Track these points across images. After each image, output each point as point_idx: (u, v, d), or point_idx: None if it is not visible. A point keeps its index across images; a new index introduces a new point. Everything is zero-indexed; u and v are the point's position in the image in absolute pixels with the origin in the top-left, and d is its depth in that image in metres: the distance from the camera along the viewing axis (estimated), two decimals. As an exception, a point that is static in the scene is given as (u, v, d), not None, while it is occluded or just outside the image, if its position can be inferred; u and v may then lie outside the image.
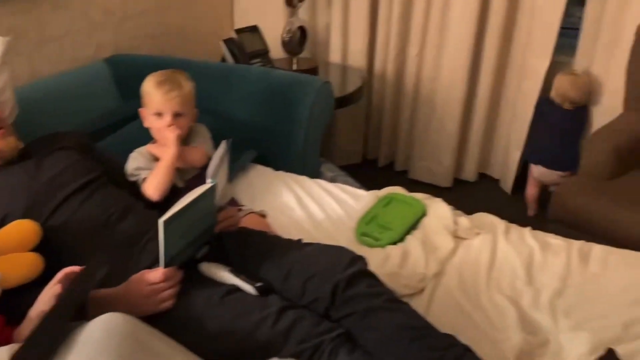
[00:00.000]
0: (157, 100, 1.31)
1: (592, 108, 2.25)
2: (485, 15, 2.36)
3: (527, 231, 1.45)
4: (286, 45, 2.35)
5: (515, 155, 2.46)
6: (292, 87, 1.78)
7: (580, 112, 2.23)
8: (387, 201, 1.53)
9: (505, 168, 2.56)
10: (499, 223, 1.46)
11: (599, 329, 1.09)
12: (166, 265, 1.01)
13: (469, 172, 2.66)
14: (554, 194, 1.85)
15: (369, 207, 1.50)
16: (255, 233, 1.22)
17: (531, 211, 2.42)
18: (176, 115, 1.32)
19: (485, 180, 2.71)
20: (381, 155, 2.80)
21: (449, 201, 2.23)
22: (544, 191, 2.35)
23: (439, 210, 1.47)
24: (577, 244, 1.39)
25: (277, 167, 1.75)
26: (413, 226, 1.45)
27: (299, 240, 1.20)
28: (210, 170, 1.14)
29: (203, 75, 1.72)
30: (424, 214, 1.47)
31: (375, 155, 2.85)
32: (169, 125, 1.30)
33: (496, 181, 2.67)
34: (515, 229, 1.45)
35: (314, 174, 1.84)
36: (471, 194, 2.61)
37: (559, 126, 2.23)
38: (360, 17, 2.52)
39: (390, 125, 2.73)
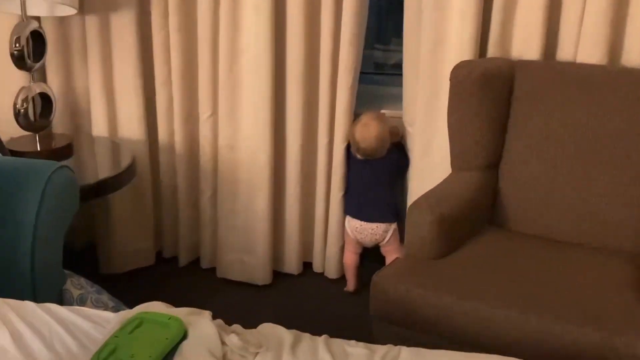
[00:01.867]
0: None
1: (419, 168, 2.44)
2: (282, 65, 2.47)
3: (321, 342, 1.43)
4: (22, 119, 2.25)
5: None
6: (7, 179, 1.69)
7: (381, 163, 2.51)
8: (136, 324, 1.43)
9: (331, 253, 2.64)
10: (286, 336, 1.44)
11: None
12: None
13: (291, 263, 2.70)
14: (372, 283, 1.87)
15: (110, 336, 1.39)
16: None
17: (350, 285, 2.61)
18: None
19: (312, 271, 2.79)
20: (181, 251, 2.78)
21: (270, 302, 2.23)
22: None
23: (202, 329, 1.41)
24: (380, 351, 1.40)
25: (-7, 292, 1.61)
26: (170, 355, 1.36)
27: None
28: None
29: None
30: (184, 337, 1.40)
31: (173, 253, 2.82)
32: None
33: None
34: (307, 341, 1.44)
35: (53, 296, 1.73)
36: (297, 289, 2.65)
37: (360, 177, 2.54)
38: (128, 77, 2.55)
39: (188, 211, 2.74)
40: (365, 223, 2.51)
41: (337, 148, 2.53)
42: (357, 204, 2.55)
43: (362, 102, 2.59)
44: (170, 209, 2.76)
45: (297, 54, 2.43)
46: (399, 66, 2.54)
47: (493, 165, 2.21)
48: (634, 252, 1.97)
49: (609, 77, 2.10)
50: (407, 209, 1.99)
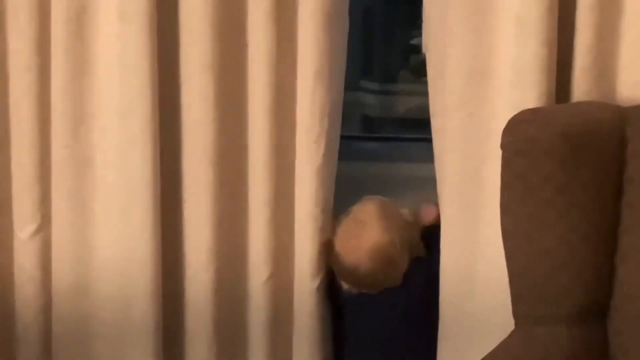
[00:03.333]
0: None
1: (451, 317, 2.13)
2: (176, 132, 2.15)
3: None
4: None
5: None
6: None
7: (400, 298, 2.20)
8: None
9: None
10: None
11: None
12: None
13: None
14: None
15: None
16: None
17: None
18: None
19: None
20: None
21: None
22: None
23: None
24: None
25: None
26: None
27: None
28: None
29: None
30: None
31: None
32: None
33: None
34: None
35: None
36: None
37: (352, 326, 2.28)
38: None
39: None
40: None
41: (299, 285, 2.19)
42: None
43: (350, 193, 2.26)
44: None
45: (202, 107, 2.07)
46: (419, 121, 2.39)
47: (596, 311, 1.83)
48: None
49: None
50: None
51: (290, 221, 2.18)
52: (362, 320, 2.19)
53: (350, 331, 2.22)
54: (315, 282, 2.15)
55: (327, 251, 2.15)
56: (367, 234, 2.11)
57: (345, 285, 2.15)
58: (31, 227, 2.14)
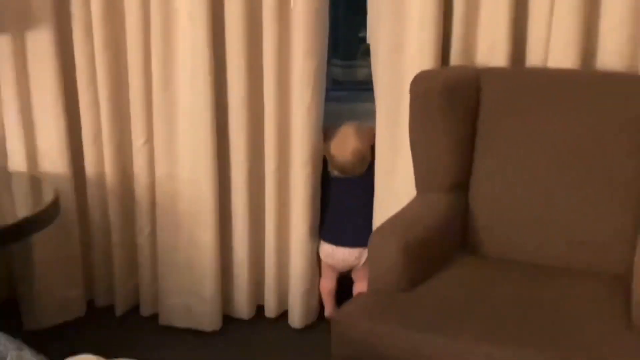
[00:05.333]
0: None
1: (383, 188, 2.36)
2: (223, 84, 2.40)
3: None
4: None
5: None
6: None
7: (358, 182, 2.46)
8: None
9: (294, 297, 2.54)
10: None
11: None
12: None
13: (242, 306, 2.59)
14: (333, 322, 1.77)
15: None
16: None
17: (328, 309, 2.56)
18: None
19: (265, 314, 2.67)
20: (117, 298, 2.64)
21: (219, 351, 2.32)
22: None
23: None
24: None
25: None
26: None
27: None
28: None
29: None
30: None
31: (108, 301, 2.68)
32: None
33: (284, 314, 2.62)
34: None
35: None
36: (249, 336, 2.54)
37: (335, 197, 2.51)
38: (48, 103, 2.43)
39: (124, 251, 2.61)
40: (337, 248, 2.45)
41: (296, 173, 2.46)
42: (331, 227, 2.51)
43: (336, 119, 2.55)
44: (102, 251, 2.64)
45: (238, 70, 2.37)
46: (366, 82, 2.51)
47: (462, 185, 2.15)
48: (617, 273, 1.92)
49: (584, 81, 2.07)
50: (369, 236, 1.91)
51: (293, 135, 2.44)
52: (342, 192, 2.51)
53: (334, 199, 2.51)
54: (307, 169, 2.43)
55: (325, 149, 2.45)
56: (350, 142, 2.41)
57: (334, 173, 2.48)
58: (142, 139, 2.45)
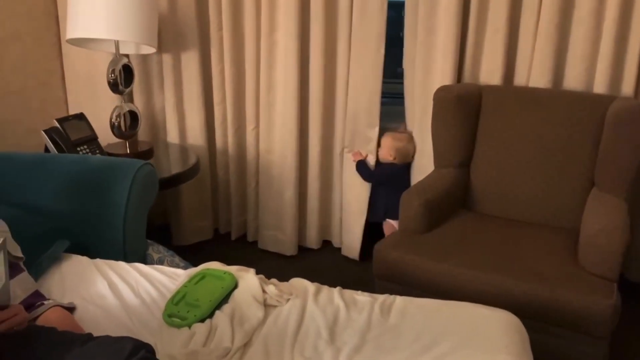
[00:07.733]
0: None
1: (415, 166, 2.36)
2: (306, 93, 2.41)
3: (336, 291, 1.44)
4: (116, 129, 2.30)
5: (360, 221, 2.43)
6: (106, 172, 1.70)
7: (404, 169, 2.38)
8: (200, 277, 1.46)
9: (350, 234, 2.50)
10: (310, 286, 1.45)
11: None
12: None
13: (312, 240, 2.60)
14: (375, 250, 1.85)
15: (180, 286, 1.43)
16: (42, 332, 1.11)
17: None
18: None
19: (330, 246, 2.66)
20: (233, 228, 2.71)
21: (295, 269, 2.17)
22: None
23: (249, 281, 1.43)
24: (380, 298, 1.40)
25: (95, 255, 1.62)
26: (225, 300, 1.39)
27: (88, 335, 1.10)
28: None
29: (8, 167, 1.64)
30: (235, 287, 1.42)
31: (227, 229, 2.76)
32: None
33: (341, 247, 2.60)
34: (325, 290, 1.44)
35: (139, 258, 1.73)
36: (316, 261, 2.54)
37: (391, 181, 2.37)
38: (193, 99, 2.50)
39: (238, 198, 2.66)
40: (396, 221, 2.26)
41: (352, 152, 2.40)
42: (389, 207, 2.37)
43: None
44: (224, 196, 2.69)
45: (317, 86, 2.38)
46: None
47: (465, 164, 2.15)
48: (569, 228, 1.94)
49: (553, 97, 2.04)
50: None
51: (355, 125, 2.34)
52: (388, 174, 2.39)
53: (381, 178, 2.40)
54: (368, 155, 2.34)
55: (384, 141, 2.34)
56: (397, 142, 2.36)
57: (383, 161, 2.39)
58: (252, 125, 2.50)
